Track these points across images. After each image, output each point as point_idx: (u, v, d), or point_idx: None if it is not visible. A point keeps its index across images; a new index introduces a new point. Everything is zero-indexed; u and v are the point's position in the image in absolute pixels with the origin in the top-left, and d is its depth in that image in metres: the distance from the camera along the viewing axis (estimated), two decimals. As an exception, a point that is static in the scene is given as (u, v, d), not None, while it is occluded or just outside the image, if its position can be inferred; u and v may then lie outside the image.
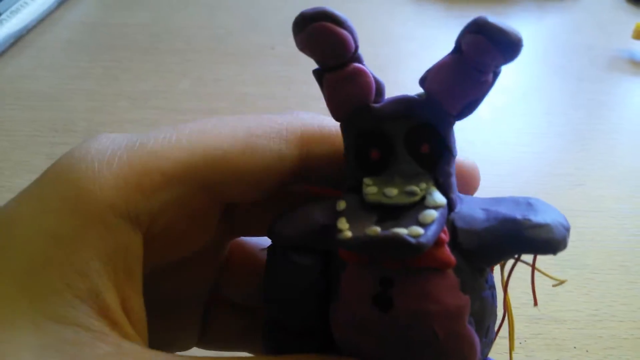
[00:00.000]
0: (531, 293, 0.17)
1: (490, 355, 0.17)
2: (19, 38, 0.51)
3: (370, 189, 0.15)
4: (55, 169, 0.15)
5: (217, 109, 0.44)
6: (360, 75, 0.15)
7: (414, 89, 0.16)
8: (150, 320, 0.16)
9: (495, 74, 0.15)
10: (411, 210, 0.14)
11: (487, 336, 0.16)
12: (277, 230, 0.17)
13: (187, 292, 0.20)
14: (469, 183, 0.18)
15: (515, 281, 0.17)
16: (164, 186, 0.15)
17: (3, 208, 0.15)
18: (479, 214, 0.15)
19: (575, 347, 0.28)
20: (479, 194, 0.17)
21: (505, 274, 0.17)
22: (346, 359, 0.15)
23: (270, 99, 0.46)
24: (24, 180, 0.36)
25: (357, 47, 0.15)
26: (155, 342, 0.16)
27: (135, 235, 0.15)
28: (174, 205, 0.16)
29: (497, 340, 0.17)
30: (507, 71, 0.15)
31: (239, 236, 0.21)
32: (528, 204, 0.15)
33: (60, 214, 0.14)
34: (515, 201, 0.15)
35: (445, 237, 0.14)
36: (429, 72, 0.15)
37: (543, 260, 0.16)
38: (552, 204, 0.15)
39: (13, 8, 0.51)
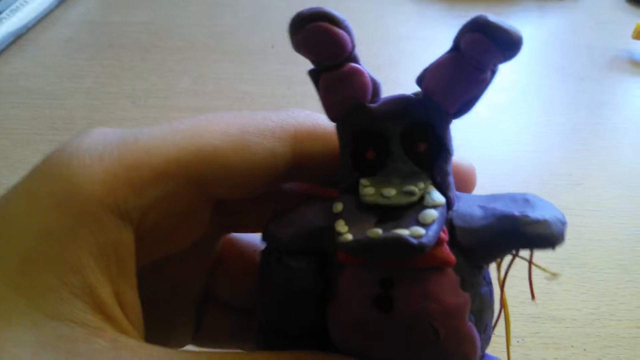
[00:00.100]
0: (529, 292, 0.17)
1: (487, 352, 0.17)
2: (19, 36, 0.51)
3: (368, 190, 0.15)
4: (46, 164, 0.15)
5: (217, 107, 0.44)
6: (357, 75, 0.15)
7: (415, 89, 0.16)
8: (144, 317, 0.16)
9: (493, 72, 0.15)
10: (410, 210, 0.14)
11: (486, 332, 0.16)
12: (272, 233, 0.17)
13: (180, 288, 0.20)
14: (465, 184, 0.18)
15: (513, 280, 0.17)
16: (154, 182, 0.15)
17: None
18: (477, 212, 0.15)
19: (573, 346, 0.28)
20: (479, 193, 0.17)
21: (502, 270, 0.17)
22: (341, 357, 0.15)
23: (270, 98, 0.46)
24: (23, 178, 0.36)
25: (353, 47, 0.15)
26: (148, 339, 0.16)
27: (126, 231, 0.15)
28: (165, 200, 0.15)
29: (494, 338, 0.17)
30: (507, 71, 0.15)
31: (232, 232, 0.21)
32: (525, 200, 0.15)
33: (51, 211, 0.14)
34: (512, 198, 0.15)
35: (445, 236, 0.14)
36: (426, 70, 0.15)
37: (542, 258, 0.16)
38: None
39: (13, 6, 0.51)
